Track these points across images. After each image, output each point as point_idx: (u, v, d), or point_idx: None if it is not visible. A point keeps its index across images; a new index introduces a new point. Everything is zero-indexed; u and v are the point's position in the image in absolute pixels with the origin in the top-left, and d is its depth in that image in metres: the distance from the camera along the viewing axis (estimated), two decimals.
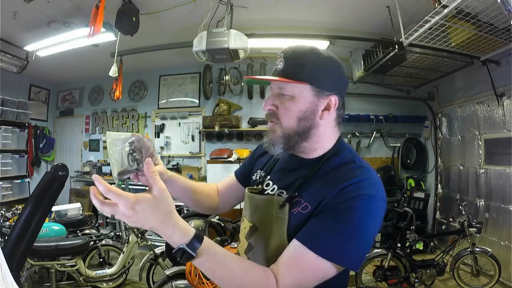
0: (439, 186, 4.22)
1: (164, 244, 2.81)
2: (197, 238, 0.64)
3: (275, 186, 0.84)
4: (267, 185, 0.88)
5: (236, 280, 0.66)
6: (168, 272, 2.31)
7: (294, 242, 0.69)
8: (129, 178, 0.74)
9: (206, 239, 0.65)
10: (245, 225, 0.87)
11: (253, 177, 0.97)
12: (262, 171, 0.94)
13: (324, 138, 0.80)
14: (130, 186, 4.20)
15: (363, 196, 0.68)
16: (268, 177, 0.89)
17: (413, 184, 4.32)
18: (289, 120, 0.77)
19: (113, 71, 3.16)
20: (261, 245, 0.79)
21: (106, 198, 0.59)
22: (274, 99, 0.79)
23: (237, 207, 1.11)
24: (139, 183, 0.76)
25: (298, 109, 0.76)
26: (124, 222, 3.24)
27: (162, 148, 4.94)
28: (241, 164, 1.10)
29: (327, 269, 0.67)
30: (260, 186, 0.89)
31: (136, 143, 0.72)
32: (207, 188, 1.08)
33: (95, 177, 0.58)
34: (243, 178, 1.04)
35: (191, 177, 4.24)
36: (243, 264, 0.69)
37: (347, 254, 0.67)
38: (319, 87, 0.76)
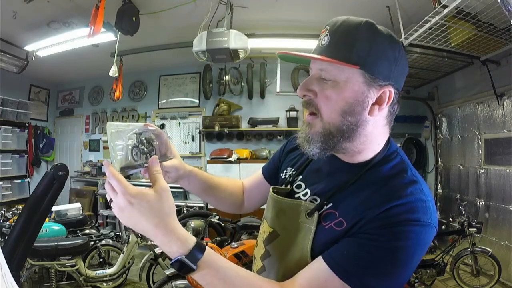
0: (439, 186, 4.22)
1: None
2: (199, 248, 0.55)
3: (308, 191, 0.72)
4: (298, 186, 0.75)
5: None
6: (168, 272, 2.31)
7: (320, 263, 0.58)
8: (131, 174, 0.68)
9: (208, 249, 0.57)
10: (264, 229, 0.76)
11: (281, 174, 0.84)
12: (293, 169, 0.81)
13: (372, 139, 0.65)
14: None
15: (415, 221, 0.55)
16: (300, 177, 0.77)
17: None
18: (331, 113, 0.62)
19: (113, 71, 3.16)
20: (279, 255, 0.69)
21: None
22: (312, 83, 0.63)
23: None
24: (143, 181, 0.69)
25: (343, 100, 0.60)
26: None
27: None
28: (268, 159, 0.99)
29: None
30: (289, 187, 0.76)
31: (145, 134, 0.64)
32: (232, 184, 0.96)
33: (105, 163, 0.55)
34: (271, 175, 0.91)
35: None
36: (250, 281, 0.59)
37: None
38: (372, 74, 0.60)
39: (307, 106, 0.65)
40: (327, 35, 0.62)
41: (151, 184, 0.58)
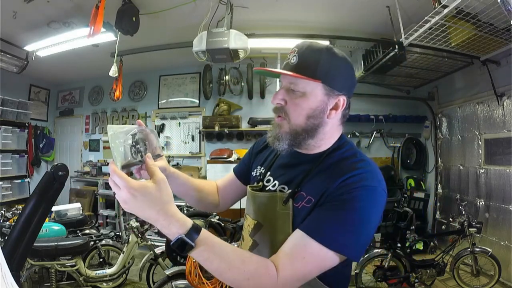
0: (439, 186, 4.22)
1: (164, 244, 2.81)
2: (195, 229, 0.63)
3: (276, 182, 0.85)
4: (268, 181, 0.88)
5: (234, 270, 0.65)
6: (168, 272, 2.31)
7: (297, 233, 0.70)
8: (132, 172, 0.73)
9: (203, 230, 0.65)
10: (248, 223, 0.87)
11: (252, 173, 0.97)
12: (262, 167, 0.94)
13: (328, 136, 0.81)
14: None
15: (364, 187, 0.69)
16: (269, 173, 0.89)
17: (413, 184, 4.32)
18: (298, 117, 0.76)
19: (113, 71, 3.16)
20: (266, 242, 0.80)
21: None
22: (284, 94, 0.78)
23: (237, 206, 1.12)
24: (142, 179, 0.76)
25: (308, 107, 0.76)
26: (124, 222, 3.26)
27: (162, 148, 4.93)
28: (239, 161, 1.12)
29: (329, 259, 0.68)
30: (261, 183, 0.89)
31: (139, 134, 0.71)
32: (208, 185, 1.08)
33: (111, 162, 0.62)
34: (242, 174, 1.05)
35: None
36: (242, 254, 0.69)
37: (349, 244, 0.68)
38: (331, 86, 0.76)
39: (277, 112, 0.79)
40: (295, 55, 0.77)
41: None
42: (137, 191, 0.60)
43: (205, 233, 0.65)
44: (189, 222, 0.64)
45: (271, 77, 1.02)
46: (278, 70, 0.80)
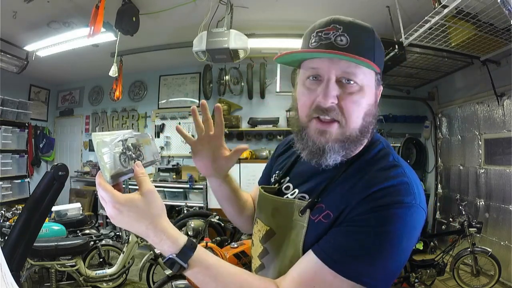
0: (439, 186, 4.22)
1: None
2: (189, 247, 0.56)
3: (296, 190, 0.72)
4: (287, 188, 0.76)
5: None
6: (168, 272, 2.31)
7: (310, 255, 0.59)
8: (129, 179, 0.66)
9: (199, 248, 0.57)
10: (259, 228, 0.76)
11: (271, 179, 0.85)
12: (280, 172, 0.82)
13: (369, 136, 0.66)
14: (130, 186, 4.20)
15: (397, 204, 0.54)
16: (287, 178, 0.77)
17: None
18: (357, 117, 0.60)
19: (113, 71, 3.17)
20: (277, 251, 0.70)
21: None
22: (336, 89, 0.60)
23: None
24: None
25: (366, 103, 0.61)
26: None
27: (162, 148, 4.94)
28: (268, 159, 0.99)
29: None
30: (276, 185, 0.77)
31: (131, 140, 0.65)
32: (247, 196, 0.93)
33: (98, 174, 0.56)
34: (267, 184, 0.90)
35: (190, 177, 4.24)
36: (241, 279, 0.60)
37: (372, 274, 0.55)
38: (379, 74, 0.64)
39: (329, 113, 0.60)
40: (343, 35, 0.58)
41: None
42: (122, 206, 0.54)
43: (200, 252, 0.57)
44: (181, 240, 0.56)
45: (293, 66, 0.68)
46: (338, 52, 0.57)
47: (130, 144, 0.63)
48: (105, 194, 0.54)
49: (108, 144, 0.58)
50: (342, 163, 0.65)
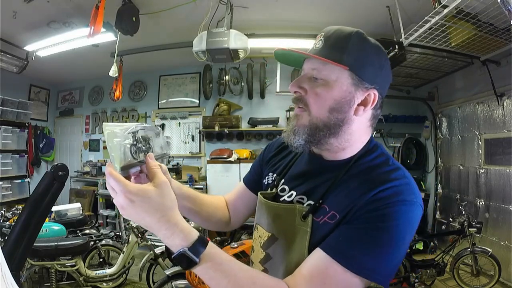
0: (439, 186, 4.22)
1: (164, 245, 2.81)
2: (201, 242, 0.55)
3: (293, 192, 0.74)
4: (282, 190, 0.77)
5: None
6: (168, 272, 2.31)
7: (318, 253, 0.60)
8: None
9: (210, 243, 0.57)
10: (260, 234, 0.76)
11: (264, 181, 0.86)
12: (275, 174, 0.82)
13: (356, 138, 0.70)
14: None
15: (401, 201, 0.59)
16: (283, 181, 0.79)
17: None
18: (319, 109, 0.66)
19: (113, 71, 3.16)
20: (280, 256, 0.70)
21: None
22: (304, 81, 0.68)
23: None
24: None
25: (331, 97, 0.65)
26: (124, 222, 3.25)
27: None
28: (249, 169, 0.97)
29: (352, 284, 0.58)
30: (274, 190, 0.78)
31: (141, 132, 0.64)
32: (215, 200, 0.93)
33: (108, 163, 0.55)
34: (254, 184, 0.91)
35: (190, 177, 4.24)
36: (252, 275, 0.60)
37: (378, 268, 0.58)
38: (359, 76, 0.65)
39: (297, 102, 0.69)
40: (321, 39, 0.68)
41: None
42: (135, 196, 0.53)
43: (212, 247, 0.57)
44: (194, 234, 0.56)
45: (293, 66, 0.79)
46: (301, 51, 0.68)
47: (140, 136, 0.63)
48: (116, 184, 0.53)
49: (118, 135, 0.57)
50: (341, 166, 0.69)
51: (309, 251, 0.64)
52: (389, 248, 0.58)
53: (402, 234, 0.59)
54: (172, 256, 0.55)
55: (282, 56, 0.74)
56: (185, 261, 0.54)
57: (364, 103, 0.67)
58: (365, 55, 0.66)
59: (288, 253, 0.68)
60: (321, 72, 0.66)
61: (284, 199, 0.74)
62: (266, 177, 0.85)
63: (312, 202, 0.68)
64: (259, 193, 0.80)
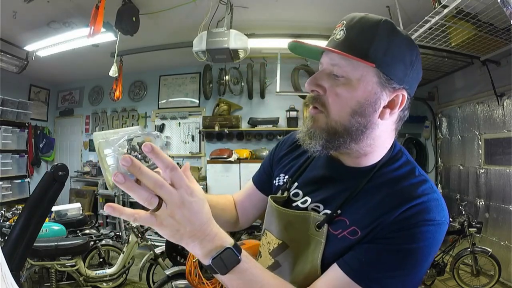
0: (439, 186, 4.22)
1: (164, 244, 2.81)
2: (237, 249, 0.51)
3: (308, 198, 0.68)
4: (296, 194, 0.70)
5: None
6: (168, 272, 2.31)
7: (337, 272, 0.56)
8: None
9: (243, 251, 0.52)
10: (269, 240, 0.71)
11: (274, 181, 0.79)
12: (287, 176, 0.76)
13: (380, 142, 0.62)
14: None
15: (430, 222, 0.54)
16: (296, 184, 0.72)
17: None
18: (339, 111, 0.58)
19: (113, 71, 3.16)
20: (290, 265, 0.66)
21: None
22: (322, 79, 0.60)
23: None
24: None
25: (354, 99, 0.57)
26: (124, 222, 3.25)
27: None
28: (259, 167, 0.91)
29: None
30: (286, 194, 0.72)
31: (136, 139, 0.57)
32: (222, 199, 0.87)
33: (147, 145, 0.46)
34: (263, 184, 0.85)
35: None
36: (282, 284, 0.57)
37: None
38: (387, 74, 0.57)
39: (313, 102, 0.61)
40: (343, 29, 0.59)
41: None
42: (196, 191, 0.46)
43: (246, 253, 0.52)
44: (229, 240, 0.51)
45: (309, 58, 0.69)
46: (319, 45, 0.60)
47: (136, 144, 0.56)
48: (180, 176, 0.46)
49: (111, 145, 0.51)
50: (362, 173, 0.62)
51: (323, 263, 0.59)
52: (413, 269, 0.54)
53: (427, 256, 0.55)
54: (212, 259, 0.48)
55: (298, 47, 0.65)
56: (229, 258, 0.49)
57: (390, 106, 0.59)
58: (395, 50, 0.57)
59: (298, 263, 0.64)
60: (343, 69, 0.57)
61: (298, 205, 0.68)
62: (277, 178, 0.78)
63: (328, 211, 0.62)
64: (269, 198, 0.74)
